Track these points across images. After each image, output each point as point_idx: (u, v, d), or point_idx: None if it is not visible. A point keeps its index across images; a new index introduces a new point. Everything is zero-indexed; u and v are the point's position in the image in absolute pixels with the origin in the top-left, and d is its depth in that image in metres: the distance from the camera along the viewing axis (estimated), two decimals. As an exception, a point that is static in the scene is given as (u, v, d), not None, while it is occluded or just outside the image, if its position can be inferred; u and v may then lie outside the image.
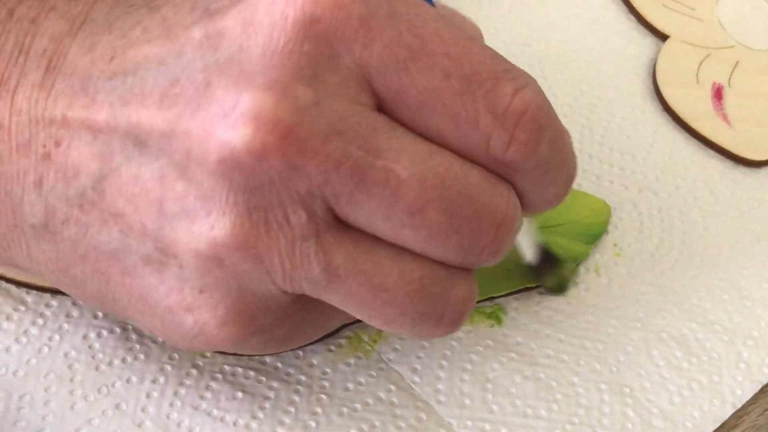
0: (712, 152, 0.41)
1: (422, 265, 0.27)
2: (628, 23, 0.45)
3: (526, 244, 0.33)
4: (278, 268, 0.26)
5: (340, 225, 0.26)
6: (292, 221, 0.25)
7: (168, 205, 0.25)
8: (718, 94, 0.42)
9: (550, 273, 0.34)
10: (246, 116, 0.24)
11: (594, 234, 0.37)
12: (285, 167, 0.24)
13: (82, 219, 0.27)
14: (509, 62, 0.27)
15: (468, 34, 0.29)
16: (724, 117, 0.41)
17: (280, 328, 0.29)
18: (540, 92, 0.26)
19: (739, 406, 0.33)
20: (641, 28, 0.45)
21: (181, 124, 0.25)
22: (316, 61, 0.25)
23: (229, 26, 0.25)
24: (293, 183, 0.25)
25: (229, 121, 0.24)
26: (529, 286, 0.35)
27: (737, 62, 0.43)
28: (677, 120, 0.41)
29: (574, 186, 0.38)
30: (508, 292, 0.35)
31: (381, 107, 0.26)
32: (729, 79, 0.42)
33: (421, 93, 0.25)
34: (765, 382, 0.34)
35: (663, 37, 0.44)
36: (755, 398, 0.34)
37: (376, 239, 0.26)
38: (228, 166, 0.24)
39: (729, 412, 0.33)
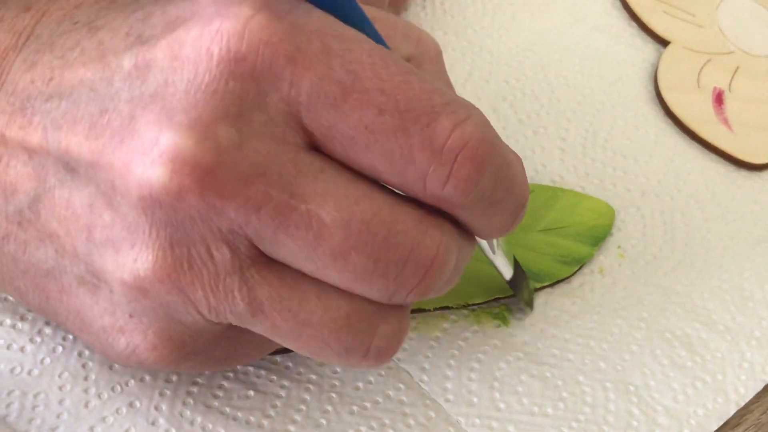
0: (713, 156, 0.41)
1: (349, 301, 0.26)
2: (630, 30, 0.45)
3: (501, 262, 0.32)
4: (202, 301, 0.26)
5: (266, 260, 0.26)
6: (215, 257, 0.25)
7: (96, 233, 0.26)
8: (718, 98, 0.42)
9: (524, 287, 0.34)
10: (164, 156, 0.24)
11: (598, 236, 0.37)
12: (204, 207, 0.24)
13: (21, 236, 0.27)
14: (452, 95, 0.25)
15: (425, 52, 0.28)
16: (725, 121, 0.42)
17: (216, 350, 0.28)
18: (483, 125, 0.25)
19: (743, 404, 0.34)
20: (642, 34, 0.45)
21: (105, 156, 0.25)
22: (241, 99, 0.24)
23: (158, 58, 0.25)
24: (214, 222, 0.25)
25: (147, 159, 0.24)
26: (536, 287, 0.36)
27: (737, 68, 0.44)
28: (679, 124, 0.42)
29: (578, 189, 0.39)
30: (513, 293, 0.35)
31: (314, 144, 0.25)
32: (729, 84, 0.43)
33: (353, 130, 0.25)
34: None
35: (664, 43, 0.44)
36: (758, 397, 0.34)
37: (302, 275, 0.26)
38: (148, 203, 0.24)
39: (732, 410, 0.33)
